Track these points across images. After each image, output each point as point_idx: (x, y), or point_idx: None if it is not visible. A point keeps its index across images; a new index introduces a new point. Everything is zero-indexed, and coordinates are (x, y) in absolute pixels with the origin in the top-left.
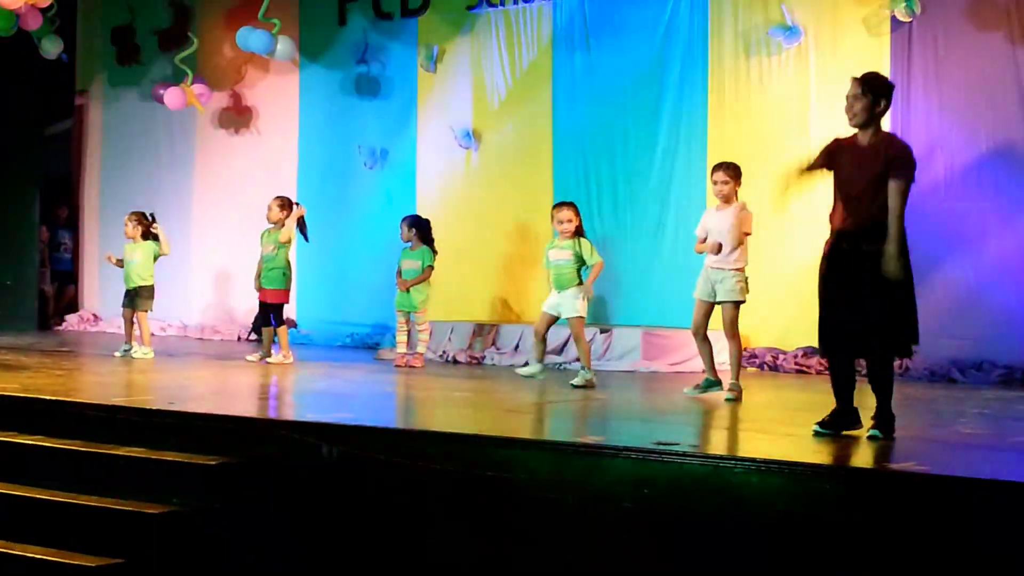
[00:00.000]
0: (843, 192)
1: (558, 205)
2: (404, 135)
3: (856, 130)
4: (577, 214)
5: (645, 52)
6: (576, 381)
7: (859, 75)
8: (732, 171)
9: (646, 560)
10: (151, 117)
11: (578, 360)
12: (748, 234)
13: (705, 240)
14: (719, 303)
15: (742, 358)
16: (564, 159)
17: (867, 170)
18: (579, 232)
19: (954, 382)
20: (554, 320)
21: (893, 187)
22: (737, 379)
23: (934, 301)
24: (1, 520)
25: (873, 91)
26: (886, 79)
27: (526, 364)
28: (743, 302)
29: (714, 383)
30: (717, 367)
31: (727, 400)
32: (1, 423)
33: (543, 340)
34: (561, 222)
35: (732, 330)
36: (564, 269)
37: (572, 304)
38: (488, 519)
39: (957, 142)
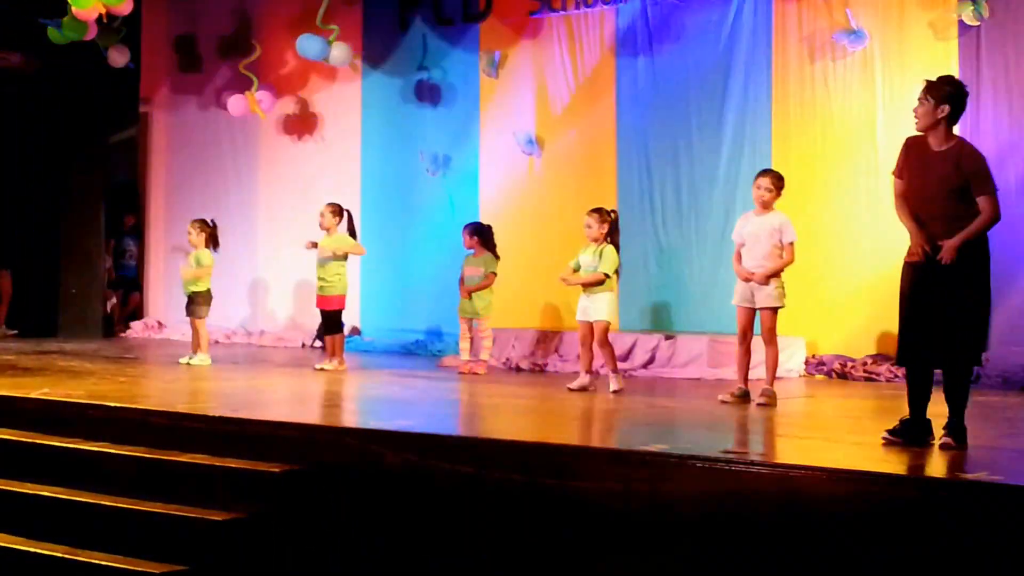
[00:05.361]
0: (914, 196)
1: (589, 211)
2: (466, 141)
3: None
4: (601, 222)
5: (708, 57)
6: (613, 387)
7: (931, 79)
8: (778, 179)
9: (713, 571)
10: (215, 124)
11: (644, 368)
12: (792, 242)
13: (743, 245)
14: (758, 309)
15: (778, 364)
16: (627, 166)
17: (941, 178)
18: (608, 239)
19: None
20: (591, 326)
21: (983, 202)
22: (771, 384)
23: (1008, 308)
24: (68, 527)
25: (934, 97)
26: (950, 83)
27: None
28: (781, 307)
29: (747, 392)
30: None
31: (759, 405)
32: (67, 429)
33: (589, 349)
34: (587, 227)
35: (770, 336)
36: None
37: (599, 308)
38: (552, 528)
39: None
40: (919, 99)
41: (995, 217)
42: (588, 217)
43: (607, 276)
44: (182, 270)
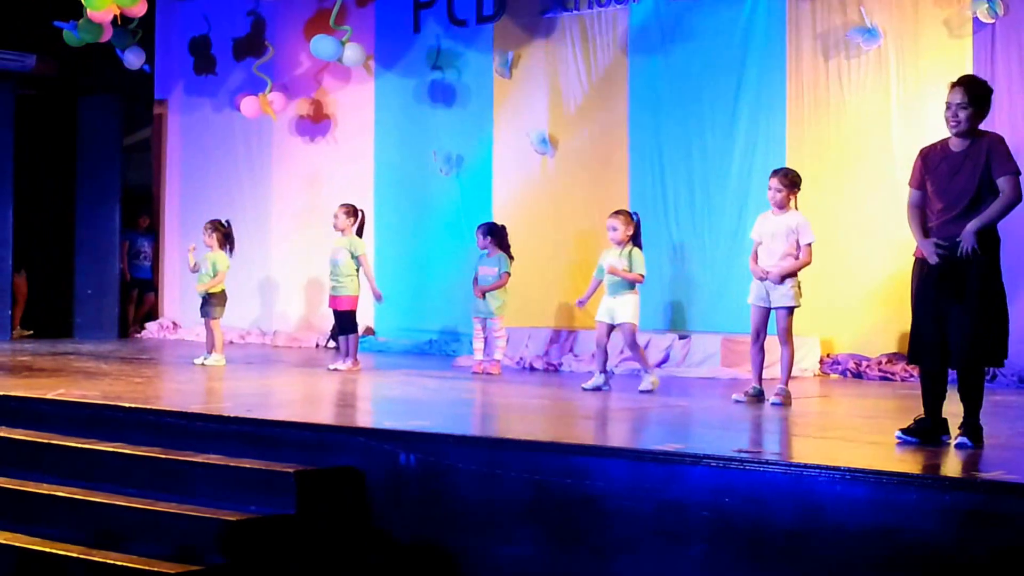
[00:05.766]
0: (937, 199)
1: (612, 213)
2: (480, 141)
3: (949, 135)
4: (627, 224)
5: (722, 55)
6: (643, 386)
7: (959, 80)
8: (788, 179)
9: (727, 571)
10: (228, 126)
11: (657, 367)
12: (810, 243)
13: (761, 244)
14: (774, 308)
15: (793, 364)
16: (640, 164)
17: (969, 175)
18: (633, 242)
19: None
20: (611, 328)
21: (1004, 183)
22: (786, 384)
23: (1022, 306)
24: (82, 527)
25: (979, 101)
26: (986, 84)
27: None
28: (797, 307)
29: (761, 391)
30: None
31: (772, 404)
32: (82, 430)
33: (604, 350)
34: (611, 229)
35: (786, 336)
36: (617, 275)
37: (626, 309)
38: (565, 527)
39: None
40: (957, 104)
41: (1016, 199)
42: (613, 219)
43: (643, 276)
44: (199, 276)
